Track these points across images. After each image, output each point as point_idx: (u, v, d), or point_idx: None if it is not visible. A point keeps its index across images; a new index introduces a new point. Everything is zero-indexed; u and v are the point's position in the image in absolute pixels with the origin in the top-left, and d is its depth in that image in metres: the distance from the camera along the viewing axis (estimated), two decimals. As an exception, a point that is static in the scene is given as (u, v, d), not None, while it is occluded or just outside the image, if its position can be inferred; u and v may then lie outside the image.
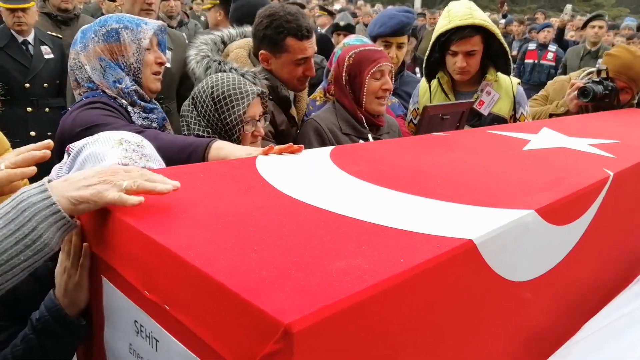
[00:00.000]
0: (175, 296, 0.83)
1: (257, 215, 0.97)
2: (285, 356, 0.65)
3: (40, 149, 1.06)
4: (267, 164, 1.30)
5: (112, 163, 1.17)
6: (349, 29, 5.61)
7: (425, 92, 2.52)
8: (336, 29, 5.77)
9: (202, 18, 9.33)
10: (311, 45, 2.06)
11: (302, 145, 1.42)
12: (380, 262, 0.80)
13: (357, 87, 2.06)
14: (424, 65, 2.49)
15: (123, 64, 1.79)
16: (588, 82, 2.57)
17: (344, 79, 2.08)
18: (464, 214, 1.03)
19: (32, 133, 3.69)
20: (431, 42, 2.41)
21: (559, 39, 8.68)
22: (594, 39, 6.27)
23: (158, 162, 1.26)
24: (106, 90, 1.78)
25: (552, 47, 8.22)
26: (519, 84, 2.47)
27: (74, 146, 1.27)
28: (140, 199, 0.97)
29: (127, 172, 1.00)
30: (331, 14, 9.53)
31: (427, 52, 2.44)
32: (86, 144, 1.23)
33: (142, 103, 1.82)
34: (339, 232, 0.92)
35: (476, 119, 2.40)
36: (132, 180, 0.97)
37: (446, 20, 2.34)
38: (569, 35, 9.15)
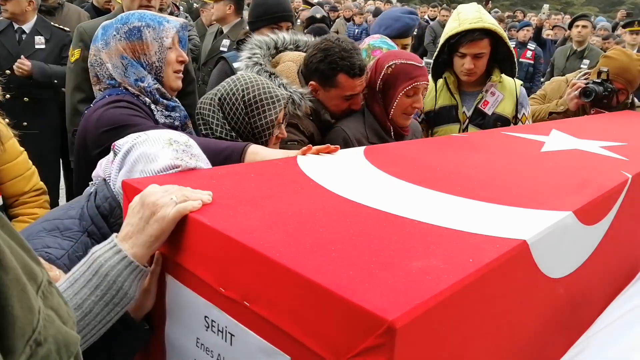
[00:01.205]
0: (256, 293, 0.88)
1: (321, 216, 1.02)
2: (386, 350, 0.70)
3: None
4: (309, 165, 1.34)
5: (165, 164, 1.20)
6: (325, 21, 5.64)
7: (431, 91, 2.58)
8: (313, 22, 5.76)
9: (181, 8, 9.22)
10: (361, 83, 2.09)
11: (337, 146, 1.47)
12: (453, 262, 0.86)
13: (389, 98, 2.08)
14: (431, 65, 2.55)
15: (145, 62, 1.80)
16: (589, 83, 2.67)
17: (378, 86, 2.10)
18: (511, 216, 1.09)
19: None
20: (440, 43, 2.47)
21: (537, 37, 8.86)
22: (578, 38, 6.43)
23: (205, 162, 1.30)
24: (128, 88, 1.79)
25: (531, 46, 8.39)
26: (521, 85, 2.55)
27: (121, 145, 1.29)
28: (199, 203, 1.01)
29: (164, 191, 1.03)
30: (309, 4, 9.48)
31: (436, 53, 2.51)
32: (135, 143, 1.26)
33: (165, 101, 1.84)
34: (403, 233, 0.97)
35: (480, 118, 2.48)
36: (179, 194, 1.01)
37: (456, 22, 2.40)
38: (545, 33, 9.33)
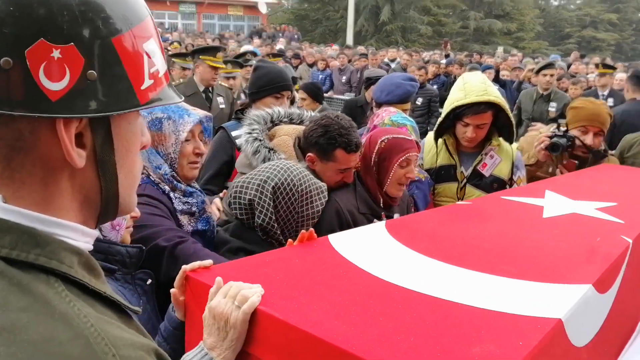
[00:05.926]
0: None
1: (375, 304, 1.13)
2: None
3: None
4: (342, 246, 1.45)
5: None
6: (295, 82, 5.49)
7: (431, 149, 2.72)
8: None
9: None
10: (356, 158, 2.23)
11: None
12: (506, 346, 0.97)
13: (384, 170, 2.21)
14: (434, 129, 2.68)
15: (162, 152, 1.89)
16: (554, 137, 2.85)
17: (372, 160, 2.23)
18: (541, 292, 1.22)
19: None
20: (445, 111, 2.61)
21: (496, 79, 9.20)
22: (546, 85, 6.82)
23: None
24: (151, 174, 1.88)
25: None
26: (518, 149, 2.72)
27: None
28: (258, 297, 1.11)
29: (225, 296, 1.13)
30: (279, 56, 9.08)
31: (441, 119, 2.64)
32: None
33: (182, 187, 1.93)
34: (452, 317, 1.08)
35: (478, 179, 2.63)
36: (238, 297, 1.11)
37: (462, 93, 2.53)
38: (501, 74, 9.65)
